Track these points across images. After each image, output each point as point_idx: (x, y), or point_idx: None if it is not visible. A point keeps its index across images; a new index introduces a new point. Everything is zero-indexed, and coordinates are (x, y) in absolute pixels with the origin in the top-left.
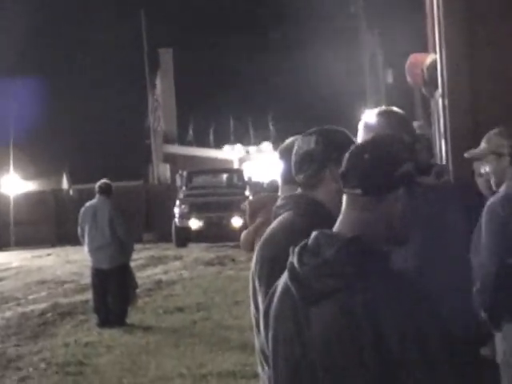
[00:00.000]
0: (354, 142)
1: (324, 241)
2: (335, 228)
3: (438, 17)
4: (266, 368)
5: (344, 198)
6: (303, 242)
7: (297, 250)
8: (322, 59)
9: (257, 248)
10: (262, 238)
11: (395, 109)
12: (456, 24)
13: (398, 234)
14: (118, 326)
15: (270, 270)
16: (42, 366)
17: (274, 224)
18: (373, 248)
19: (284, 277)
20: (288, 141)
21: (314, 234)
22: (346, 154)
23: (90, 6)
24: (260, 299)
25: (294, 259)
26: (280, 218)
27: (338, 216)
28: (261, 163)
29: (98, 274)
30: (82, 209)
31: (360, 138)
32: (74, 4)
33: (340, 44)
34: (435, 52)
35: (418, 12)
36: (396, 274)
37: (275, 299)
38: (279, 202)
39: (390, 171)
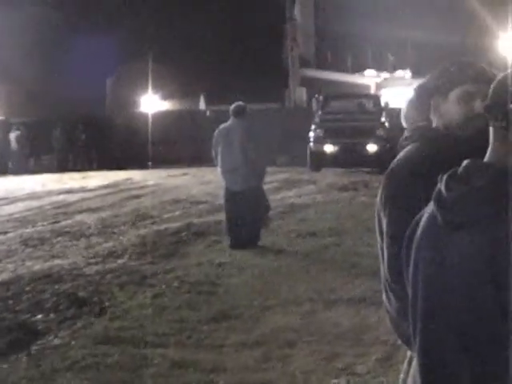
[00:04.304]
0: (480, 74)
1: (475, 169)
2: (486, 160)
3: None
4: (393, 299)
5: (491, 131)
6: (452, 170)
7: (445, 177)
8: None
9: (383, 178)
10: (388, 169)
11: None
12: None
13: None
14: (250, 248)
15: (393, 199)
16: (175, 284)
17: (400, 155)
18: None
19: (430, 205)
20: None
21: (464, 162)
22: (492, 85)
23: None
24: (384, 227)
25: (441, 186)
26: (406, 148)
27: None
28: (398, 90)
29: (230, 195)
30: (216, 131)
31: None
32: None
33: None
34: None
35: None
36: None
37: (420, 228)
38: (405, 134)
39: None
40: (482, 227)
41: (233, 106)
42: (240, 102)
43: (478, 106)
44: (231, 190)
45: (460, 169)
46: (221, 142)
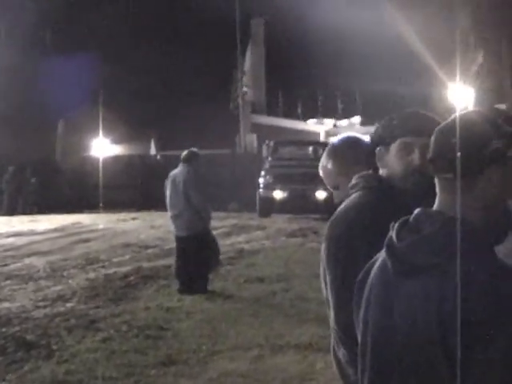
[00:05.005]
0: (423, 126)
1: (425, 218)
2: (435, 208)
3: None
4: (341, 346)
5: (436, 181)
6: (404, 219)
7: (397, 225)
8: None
9: (327, 226)
10: (332, 217)
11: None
12: None
13: (498, 216)
14: (199, 293)
15: (336, 248)
16: (124, 328)
17: (345, 203)
18: (474, 230)
19: (382, 253)
20: None
21: (416, 211)
22: (432, 138)
23: None
24: (328, 276)
25: (392, 234)
26: (351, 197)
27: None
28: None
29: (178, 240)
30: (168, 177)
31: None
32: None
33: None
34: None
35: None
36: (497, 260)
37: (372, 272)
38: (352, 182)
39: (478, 151)
40: (432, 274)
41: (184, 153)
42: (192, 149)
43: (416, 159)
44: (178, 235)
45: (411, 217)
46: (169, 187)
